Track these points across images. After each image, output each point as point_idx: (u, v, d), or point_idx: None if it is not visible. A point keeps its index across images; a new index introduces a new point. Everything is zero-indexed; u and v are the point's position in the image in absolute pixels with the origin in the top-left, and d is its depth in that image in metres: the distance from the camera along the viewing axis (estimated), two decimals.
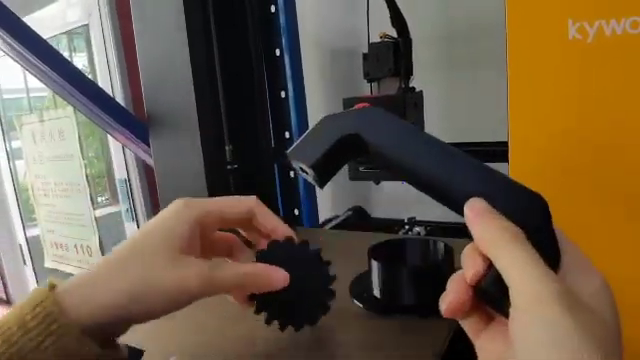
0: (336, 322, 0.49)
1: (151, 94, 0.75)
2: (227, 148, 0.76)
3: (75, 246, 1.66)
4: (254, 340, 0.47)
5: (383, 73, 0.66)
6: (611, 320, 0.24)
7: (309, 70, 1.01)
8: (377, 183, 0.71)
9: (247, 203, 0.41)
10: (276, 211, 0.93)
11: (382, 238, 0.56)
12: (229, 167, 0.76)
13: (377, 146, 0.31)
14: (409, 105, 0.64)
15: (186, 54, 0.70)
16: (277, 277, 0.39)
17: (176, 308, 0.36)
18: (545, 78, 0.50)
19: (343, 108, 0.69)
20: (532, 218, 0.27)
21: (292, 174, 0.96)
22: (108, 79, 1.37)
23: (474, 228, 0.27)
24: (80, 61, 1.50)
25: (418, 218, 0.89)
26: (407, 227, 0.87)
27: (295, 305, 0.42)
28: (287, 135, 0.94)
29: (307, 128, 1.01)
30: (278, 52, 0.93)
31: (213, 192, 0.72)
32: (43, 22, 1.45)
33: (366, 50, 0.68)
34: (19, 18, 0.68)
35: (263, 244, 0.42)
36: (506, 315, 0.25)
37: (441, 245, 0.53)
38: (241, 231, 0.45)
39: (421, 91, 0.70)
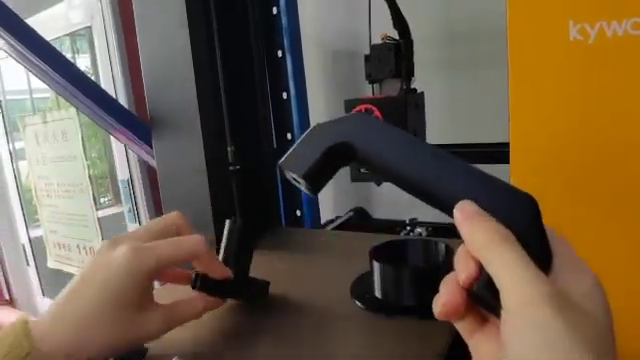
0: (338, 323, 0.49)
1: (154, 95, 0.75)
2: (229, 149, 0.76)
3: (78, 247, 1.67)
4: (256, 341, 0.47)
5: (385, 74, 0.66)
6: (603, 320, 0.24)
7: (311, 71, 1.01)
8: (378, 184, 0.71)
9: (191, 247, 0.43)
10: (278, 212, 0.93)
11: (383, 239, 0.56)
12: (231, 168, 0.76)
13: (366, 153, 0.32)
14: (410, 106, 0.64)
15: (188, 55, 0.70)
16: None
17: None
18: (546, 79, 0.50)
19: (345, 109, 0.69)
20: (521, 219, 0.27)
21: None
22: (111, 80, 1.37)
23: (463, 231, 0.27)
24: (83, 62, 1.51)
25: (419, 219, 0.89)
26: (408, 228, 0.87)
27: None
28: (289, 136, 0.94)
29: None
30: (280, 53, 0.93)
31: (215, 193, 0.72)
32: (46, 24, 1.45)
33: (367, 51, 0.68)
34: (22, 20, 0.68)
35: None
36: (499, 317, 0.25)
37: (442, 246, 0.53)
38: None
39: (422, 92, 0.70)
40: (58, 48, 1.14)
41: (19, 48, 0.68)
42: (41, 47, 0.70)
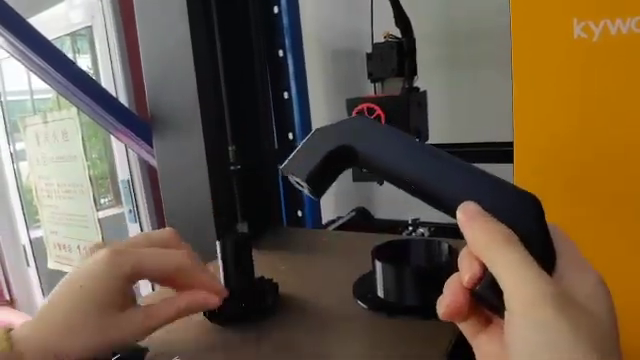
0: (340, 323, 0.48)
1: (154, 95, 0.75)
2: (230, 149, 0.76)
3: (78, 247, 1.66)
4: (258, 341, 0.47)
5: (387, 73, 0.66)
6: (608, 320, 0.24)
7: (312, 71, 1.01)
8: (380, 184, 0.71)
9: (176, 259, 0.42)
10: (279, 212, 0.93)
11: (385, 239, 0.56)
12: (232, 168, 0.76)
13: (368, 156, 0.32)
14: (413, 105, 0.64)
15: (189, 55, 0.70)
16: (212, 301, 0.42)
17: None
18: (550, 77, 0.50)
19: (346, 108, 0.68)
20: (525, 219, 0.27)
21: None
22: (111, 80, 1.37)
23: (466, 231, 0.27)
24: (84, 63, 1.50)
25: (422, 219, 0.89)
26: (411, 228, 0.87)
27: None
28: (290, 136, 0.94)
29: (310, 129, 1.01)
30: (281, 53, 0.93)
31: (216, 193, 0.72)
32: (47, 24, 1.45)
33: (369, 50, 0.67)
34: (24, 19, 0.68)
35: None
36: (503, 317, 0.25)
37: (445, 246, 0.53)
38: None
39: (425, 91, 0.70)
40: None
41: (21, 47, 0.67)
42: (43, 46, 0.70)
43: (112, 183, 1.56)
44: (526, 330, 0.23)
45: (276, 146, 0.93)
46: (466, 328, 0.29)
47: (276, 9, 0.91)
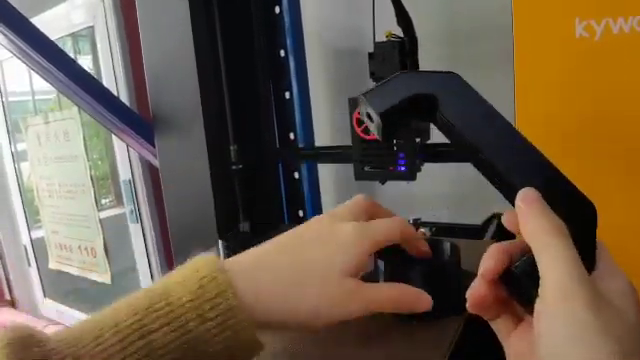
0: (339, 322, 0.48)
1: (156, 94, 0.75)
2: (232, 148, 0.76)
3: (79, 247, 1.66)
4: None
5: (389, 72, 0.66)
6: (635, 321, 0.25)
7: (314, 71, 1.01)
8: (382, 183, 0.71)
9: (402, 228, 0.41)
10: (280, 212, 0.93)
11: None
12: (234, 167, 0.76)
13: (448, 113, 0.31)
14: None
15: (191, 55, 0.70)
16: (424, 301, 0.40)
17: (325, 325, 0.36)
18: (552, 76, 0.50)
19: (349, 109, 0.68)
20: (582, 222, 0.28)
21: (296, 175, 0.96)
22: (113, 80, 1.37)
23: (522, 216, 0.27)
24: (85, 63, 1.51)
25: (423, 219, 0.89)
26: None
27: None
28: (292, 136, 0.94)
29: (311, 129, 1.01)
30: (282, 53, 0.93)
31: (218, 192, 0.72)
32: (48, 24, 1.45)
33: (371, 50, 0.67)
34: (26, 18, 0.68)
35: None
36: (530, 308, 0.26)
37: (447, 245, 0.53)
38: None
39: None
40: None
41: (23, 47, 0.68)
42: (45, 46, 0.70)
43: (113, 183, 1.56)
44: (556, 321, 0.24)
45: (277, 145, 0.93)
46: (498, 327, 0.30)
47: (277, 9, 0.91)
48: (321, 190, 1.04)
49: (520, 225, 0.28)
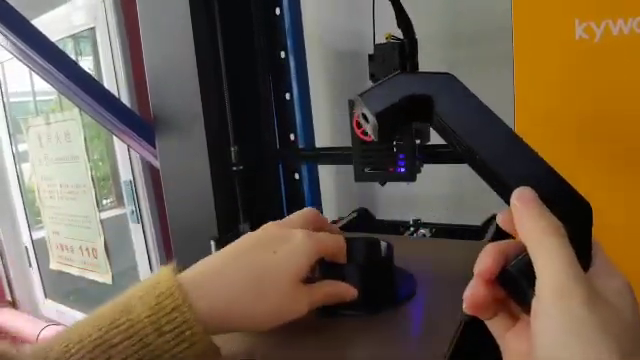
0: (335, 320, 0.48)
1: (157, 95, 0.76)
2: (232, 149, 0.76)
3: (80, 248, 1.67)
4: (259, 339, 0.47)
5: (389, 74, 0.66)
6: (633, 320, 0.25)
7: (314, 72, 1.01)
8: (382, 184, 0.71)
9: (342, 245, 0.44)
10: (280, 213, 0.93)
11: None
12: (234, 168, 0.76)
13: (443, 114, 0.32)
14: None
15: (192, 56, 0.70)
16: (349, 292, 0.44)
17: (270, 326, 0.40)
18: (552, 78, 0.50)
19: (349, 110, 0.69)
20: (578, 221, 0.28)
21: (296, 175, 0.96)
22: (114, 81, 1.37)
23: (518, 215, 0.28)
24: (86, 64, 1.51)
25: (423, 220, 0.89)
26: (412, 229, 0.87)
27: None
28: (292, 137, 0.94)
29: (312, 130, 1.01)
30: (283, 54, 0.93)
31: (218, 193, 0.72)
32: (49, 26, 1.46)
33: (371, 51, 0.68)
34: (27, 20, 0.69)
35: None
36: (526, 307, 0.26)
37: (384, 244, 0.54)
38: None
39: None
40: None
41: (24, 48, 0.68)
42: (46, 47, 0.70)
43: (114, 184, 1.56)
44: (553, 319, 0.24)
45: (278, 146, 0.93)
46: (494, 326, 0.30)
47: (278, 10, 0.92)
48: (321, 191, 1.04)
49: (516, 224, 0.28)
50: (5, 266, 2.05)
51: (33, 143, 1.72)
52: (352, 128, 0.68)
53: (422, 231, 0.85)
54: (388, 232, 0.84)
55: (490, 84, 0.91)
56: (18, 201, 1.93)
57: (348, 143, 0.71)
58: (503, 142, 0.30)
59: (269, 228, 0.43)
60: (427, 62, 0.70)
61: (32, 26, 0.70)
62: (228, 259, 0.39)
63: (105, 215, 1.57)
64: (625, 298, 0.26)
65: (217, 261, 0.38)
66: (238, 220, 0.77)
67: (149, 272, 1.46)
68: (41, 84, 1.66)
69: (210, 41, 0.73)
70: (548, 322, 0.24)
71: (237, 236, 0.50)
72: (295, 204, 0.97)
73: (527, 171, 0.29)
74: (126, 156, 1.42)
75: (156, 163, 0.80)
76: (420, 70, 0.68)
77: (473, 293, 0.28)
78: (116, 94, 1.34)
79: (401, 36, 0.66)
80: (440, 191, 0.96)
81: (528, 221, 0.27)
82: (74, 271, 1.72)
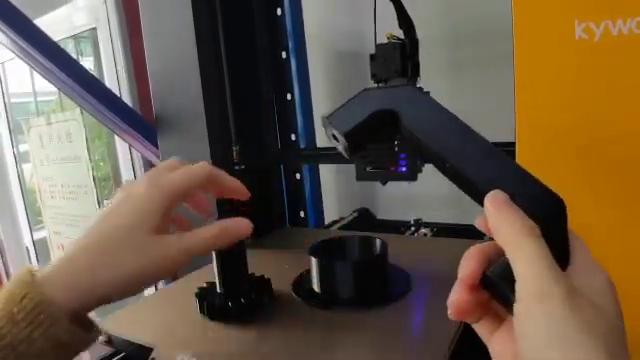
0: (340, 320, 0.49)
1: (159, 95, 0.76)
2: (234, 149, 0.76)
3: None
4: (260, 340, 0.47)
5: (390, 74, 0.66)
6: (616, 318, 0.25)
7: (315, 72, 1.01)
8: (384, 184, 0.71)
9: (203, 172, 0.40)
10: (282, 212, 0.94)
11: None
12: (236, 168, 0.76)
13: (410, 126, 0.32)
14: None
15: (194, 56, 0.70)
16: (244, 225, 0.41)
17: (156, 282, 0.37)
18: (552, 78, 0.50)
19: None
20: (551, 218, 0.28)
21: (298, 176, 0.97)
22: (115, 81, 1.38)
23: (492, 219, 0.27)
24: (86, 65, 1.51)
25: (424, 220, 0.89)
26: (413, 228, 0.87)
27: None
28: (293, 137, 0.95)
29: (313, 130, 1.02)
30: (284, 54, 0.93)
31: None
32: (50, 26, 1.46)
33: (372, 51, 0.68)
34: (29, 20, 0.69)
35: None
36: (510, 309, 0.26)
37: (378, 242, 0.55)
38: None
39: (428, 92, 0.70)
40: None
41: (26, 48, 0.68)
42: (48, 47, 0.71)
43: (115, 184, 1.56)
44: (536, 322, 0.24)
45: (279, 146, 0.94)
46: (480, 329, 0.30)
47: (279, 11, 0.92)
48: (322, 191, 1.04)
49: (491, 228, 0.28)
50: (6, 266, 2.05)
51: (34, 143, 1.72)
52: None
53: (423, 231, 0.86)
54: (389, 232, 0.84)
55: (490, 84, 0.92)
56: (19, 201, 1.93)
57: None
58: (470, 147, 0.31)
59: (117, 192, 0.40)
60: (428, 62, 0.71)
61: (34, 25, 0.70)
62: (81, 237, 0.37)
63: None
64: (608, 296, 0.25)
65: (69, 248, 0.36)
66: None
67: None
68: (42, 84, 1.66)
69: (212, 41, 0.73)
70: (531, 325, 0.24)
71: (246, 210, 0.51)
72: (296, 204, 0.97)
73: (496, 173, 0.29)
74: (127, 156, 1.42)
75: (158, 163, 0.80)
76: (422, 70, 0.68)
77: (457, 298, 0.28)
78: (118, 94, 1.34)
79: (402, 36, 0.66)
80: (441, 191, 0.97)
81: (502, 225, 0.27)
82: None
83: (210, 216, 0.45)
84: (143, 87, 1.15)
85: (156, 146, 0.78)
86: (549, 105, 0.51)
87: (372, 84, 0.71)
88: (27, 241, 1.96)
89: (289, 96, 0.94)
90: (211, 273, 0.53)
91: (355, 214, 1.00)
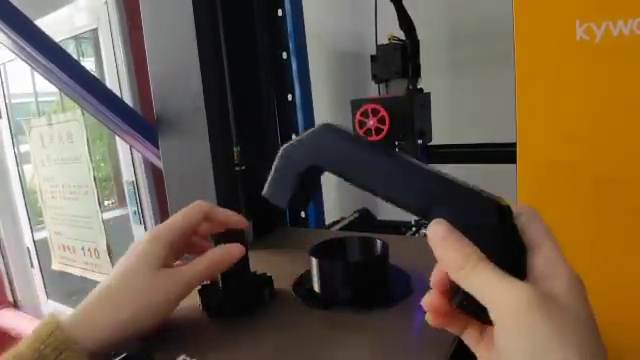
0: (333, 319, 0.49)
1: (160, 96, 0.76)
2: (235, 150, 0.76)
3: (82, 248, 1.67)
4: (260, 341, 0.47)
5: (391, 74, 0.66)
6: (586, 316, 0.24)
7: (316, 73, 1.01)
8: None
9: (200, 210, 0.48)
10: (282, 213, 0.94)
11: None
12: (237, 168, 0.76)
13: (335, 171, 0.33)
14: (416, 106, 0.64)
15: (195, 57, 0.70)
16: (235, 250, 0.47)
17: (168, 314, 0.45)
18: (553, 79, 0.50)
19: (351, 110, 0.69)
20: (492, 226, 0.27)
21: None
22: (116, 82, 1.38)
23: (437, 251, 0.28)
24: (87, 66, 1.51)
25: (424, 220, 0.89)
26: (414, 229, 0.87)
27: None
28: (294, 137, 0.95)
29: None
30: (285, 55, 0.93)
31: (221, 193, 0.72)
32: (51, 27, 1.46)
33: (372, 52, 0.68)
34: (30, 21, 0.69)
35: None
36: (491, 323, 0.26)
37: (378, 242, 0.55)
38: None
39: (429, 93, 0.70)
40: None
41: (27, 48, 0.68)
42: (48, 48, 0.71)
43: (116, 185, 1.56)
44: (513, 340, 0.24)
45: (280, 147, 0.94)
46: (466, 339, 0.30)
47: (280, 12, 0.92)
48: (323, 191, 1.04)
49: (439, 261, 0.28)
50: (7, 266, 2.05)
51: (35, 144, 1.72)
52: (354, 128, 0.69)
53: (424, 231, 0.86)
54: (390, 232, 0.84)
55: (491, 84, 0.92)
56: (20, 202, 1.93)
57: None
58: (397, 174, 0.31)
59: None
60: (429, 63, 0.71)
61: (35, 26, 0.70)
62: (98, 287, 0.43)
63: (107, 216, 1.58)
64: (576, 295, 0.25)
65: (90, 293, 0.43)
66: None
67: None
68: (43, 85, 1.66)
69: (213, 42, 0.73)
70: (508, 343, 0.24)
71: (240, 235, 0.50)
72: None
73: (429, 194, 0.29)
74: (128, 157, 1.42)
75: (159, 163, 0.80)
76: (422, 71, 0.68)
77: (432, 300, 0.29)
78: (119, 95, 1.34)
79: (403, 37, 0.66)
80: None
81: (449, 257, 0.27)
82: (76, 272, 1.72)
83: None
84: (144, 88, 1.15)
85: (157, 147, 0.78)
86: (550, 106, 0.51)
87: (373, 85, 0.71)
88: (28, 241, 1.96)
89: (290, 97, 0.94)
90: None
91: (356, 214, 1.00)
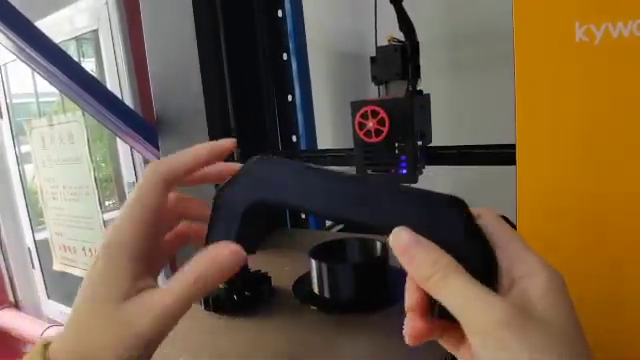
0: (341, 319, 0.49)
1: (160, 97, 0.76)
2: (235, 151, 0.76)
3: (83, 249, 1.67)
4: (260, 342, 0.47)
5: (390, 76, 0.66)
6: (567, 319, 0.23)
7: (316, 74, 1.01)
8: None
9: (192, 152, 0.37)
10: (282, 214, 0.94)
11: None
12: None
13: (278, 203, 0.31)
14: (416, 107, 0.64)
15: (195, 58, 0.70)
16: (234, 256, 0.32)
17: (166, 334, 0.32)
18: (552, 80, 0.50)
19: (351, 111, 0.69)
20: (454, 231, 0.26)
21: None
22: (117, 83, 1.38)
23: (404, 263, 0.26)
24: (88, 67, 1.51)
25: None
26: None
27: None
28: (294, 139, 0.95)
29: (314, 132, 1.02)
30: (285, 56, 0.93)
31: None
32: (51, 28, 1.46)
33: (372, 54, 0.68)
34: (30, 22, 0.69)
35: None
36: None
37: (378, 244, 0.55)
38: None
39: (428, 94, 0.70)
40: None
41: (28, 50, 0.68)
42: (49, 49, 0.71)
43: (117, 186, 1.57)
44: (488, 356, 0.23)
45: (280, 148, 0.94)
46: (446, 344, 0.29)
47: (280, 12, 0.92)
48: None
49: (409, 273, 0.26)
50: (8, 267, 2.05)
51: (36, 144, 1.72)
52: (354, 129, 0.69)
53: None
54: (389, 233, 0.84)
55: (490, 85, 0.92)
56: (21, 202, 1.93)
57: (350, 144, 0.71)
58: (345, 195, 0.28)
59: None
60: (429, 64, 0.71)
61: (35, 28, 0.70)
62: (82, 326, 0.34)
63: (108, 216, 1.58)
64: (555, 295, 0.24)
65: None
66: None
67: None
68: (43, 85, 1.66)
69: (213, 43, 0.74)
70: (484, 358, 0.23)
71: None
72: None
73: (386, 208, 0.27)
74: (129, 158, 1.43)
75: None
76: (422, 72, 0.68)
77: (413, 326, 0.27)
78: (119, 96, 1.34)
79: (403, 38, 0.66)
80: (441, 192, 0.97)
81: (418, 270, 0.25)
82: (77, 272, 1.73)
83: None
84: (144, 88, 1.15)
85: (157, 148, 0.79)
86: (549, 107, 0.51)
87: (373, 86, 0.71)
88: (29, 242, 1.96)
89: (290, 97, 0.94)
90: None
91: None
